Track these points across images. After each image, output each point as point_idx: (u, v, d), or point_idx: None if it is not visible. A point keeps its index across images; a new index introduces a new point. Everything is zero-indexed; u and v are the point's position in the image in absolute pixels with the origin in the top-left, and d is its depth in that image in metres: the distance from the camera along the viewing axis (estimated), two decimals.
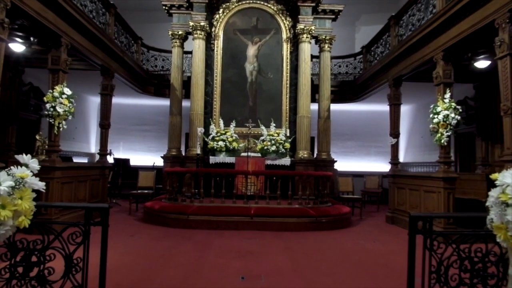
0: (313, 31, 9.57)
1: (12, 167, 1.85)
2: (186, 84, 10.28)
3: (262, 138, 9.39)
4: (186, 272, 4.05)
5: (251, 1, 9.86)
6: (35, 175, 1.98)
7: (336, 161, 9.90)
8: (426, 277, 2.48)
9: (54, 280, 2.39)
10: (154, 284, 3.65)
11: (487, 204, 2.13)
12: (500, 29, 4.78)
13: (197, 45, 9.53)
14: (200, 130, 9.04)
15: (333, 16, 9.95)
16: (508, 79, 4.70)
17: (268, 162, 9.11)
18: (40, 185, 1.92)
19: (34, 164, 1.93)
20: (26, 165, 1.89)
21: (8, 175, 1.79)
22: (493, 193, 2.09)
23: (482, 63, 7.12)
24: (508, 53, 4.67)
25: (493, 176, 2.11)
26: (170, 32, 9.98)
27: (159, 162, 10.38)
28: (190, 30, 9.62)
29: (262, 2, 9.87)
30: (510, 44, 4.66)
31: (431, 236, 2.48)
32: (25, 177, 1.83)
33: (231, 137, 9.28)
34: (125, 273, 3.95)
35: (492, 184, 2.16)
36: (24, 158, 1.91)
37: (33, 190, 1.90)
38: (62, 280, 2.40)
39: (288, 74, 9.87)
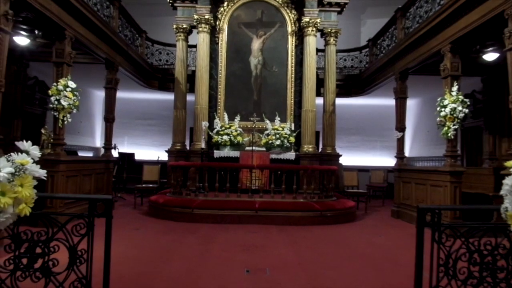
0: (318, 24, 9.47)
1: (12, 153, 1.82)
2: (191, 78, 10.24)
3: (266, 132, 9.35)
4: (191, 265, 4.05)
5: None
6: (39, 165, 1.94)
7: (341, 155, 9.85)
8: (434, 271, 2.45)
9: (59, 271, 2.38)
10: (158, 277, 3.64)
11: (501, 192, 2.05)
12: (510, 19, 4.68)
13: (201, 38, 9.48)
14: (205, 124, 9.00)
15: (339, 9, 9.83)
16: None
17: (273, 156, 9.08)
18: (41, 173, 1.89)
19: (35, 151, 1.89)
20: (27, 152, 1.86)
21: (8, 161, 1.76)
22: (508, 181, 2.01)
23: (490, 56, 7.01)
24: None
25: (508, 163, 2.02)
26: (174, 26, 9.93)
27: (164, 157, 10.38)
28: (195, 24, 9.56)
29: None
30: None
31: (439, 229, 2.44)
32: (26, 163, 1.79)
33: (236, 131, 9.25)
34: (130, 266, 3.95)
35: (500, 178, 2.09)
36: (25, 144, 1.87)
37: (36, 180, 1.87)
38: (67, 271, 2.39)
39: (293, 68, 9.80)
